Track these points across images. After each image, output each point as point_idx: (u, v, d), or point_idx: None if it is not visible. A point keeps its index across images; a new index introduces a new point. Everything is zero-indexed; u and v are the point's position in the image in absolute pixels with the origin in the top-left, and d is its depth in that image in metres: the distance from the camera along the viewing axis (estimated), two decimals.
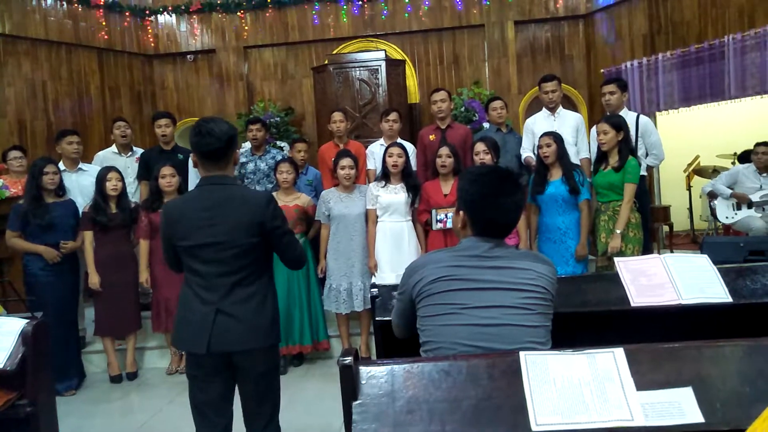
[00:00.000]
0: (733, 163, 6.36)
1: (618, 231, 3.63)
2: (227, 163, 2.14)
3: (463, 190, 1.75)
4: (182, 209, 2.13)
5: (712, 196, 5.46)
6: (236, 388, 2.22)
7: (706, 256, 2.04)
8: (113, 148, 4.97)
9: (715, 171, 6.26)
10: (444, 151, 3.92)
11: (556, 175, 3.80)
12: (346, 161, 4.02)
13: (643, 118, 4.25)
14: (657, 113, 6.13)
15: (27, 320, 2.22)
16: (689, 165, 6.76)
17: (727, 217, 5.25)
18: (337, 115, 4.68)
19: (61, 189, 4.03)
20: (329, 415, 3.27)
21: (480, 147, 3.87)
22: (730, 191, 5.16)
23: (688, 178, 6.82)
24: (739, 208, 5.18)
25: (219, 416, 2.16)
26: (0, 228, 4.03)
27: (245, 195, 2.15)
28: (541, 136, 3.86)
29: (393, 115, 4.57)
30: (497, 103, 4.71)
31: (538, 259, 1.71)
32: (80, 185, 4.44)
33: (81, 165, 4.61)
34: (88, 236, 4.02)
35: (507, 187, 1.69)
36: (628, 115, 4.19)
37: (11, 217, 3.86)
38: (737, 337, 1.47)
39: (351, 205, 4.03)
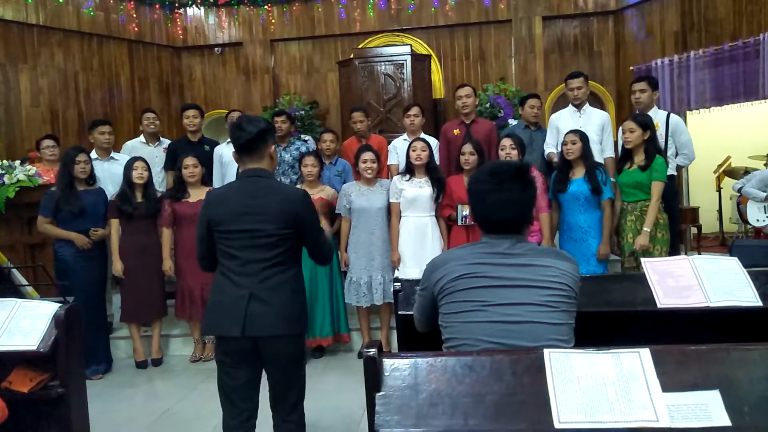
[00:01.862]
0: (766, 165, 6.20)
1: (646, 229, 3.58)
2: (261, 156, 2.23)
3: (467, 188, 1.80)
4: (224, 196, 2.25)
5: (740, 194, 5.35)
6: (263, 375, 2.27)
7: (735, 258, 2.00)
8: (141, 137, 5.07)
9: (747, 172, 6.11)
10: (467, 148, 3.90)
11: (578, 173, 3.76)
12: (367, 155, 4.03)
13: (673, 117, 4.17)
14: (688, 112, 6.01)
15: (59, 304, 2.28)
16: (719, 166, 6.62)
17: (758, 220, 5.14)
18: (357, 116, 4.68)
19: (91, 178, 4.12)
20: (350, 406, 3.30)
21: (507, 142, 3.84)
22: (765, 194, 5.04)
23: (718, 180, 6.67)
24: None
25: (245, 402, 2.22)
26: (32, 214, 4.15)
27: (283, 188, 2.31)
28: (567, 134, 3.82)
29: (414, 110, 4.56)
30: (535, 101, 4.66)
31: (561, 256, 1.70)
32: (111, 174, 4.54)
33: (112, 154, 4.71)
34: (114, 225, 4.11)
35: (497, 183, 1.66)
36: (659, 114, 4.11)
37: (43, 204, 3.96)
38: (767, 342, 1.44)
39: (372, 199, 4.05)
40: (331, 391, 3.62)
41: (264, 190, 2.18)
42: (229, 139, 4.99)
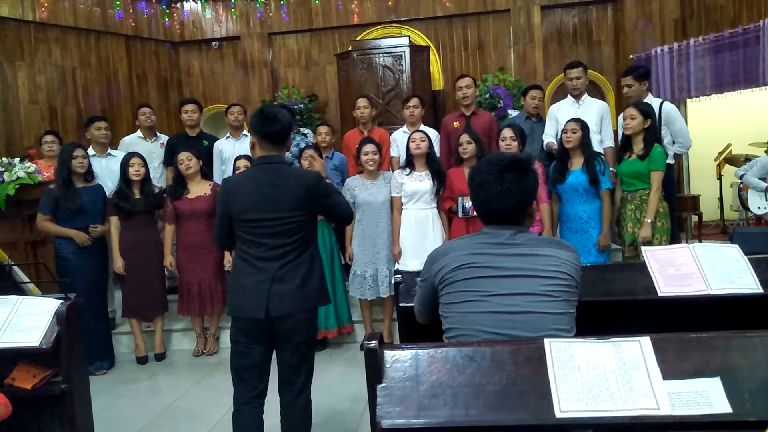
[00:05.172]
0: (767, 152, 6.18)
1: (648, 220, 3.57)
2: (283, 147, 2.33)
3: (468, 179, 1.81)
4: (241, 185, 2.31)
5: (742, 181, 5.35)
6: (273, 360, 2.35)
7: (736, 246, 2.00)
8: (138, 133, 5.07)
9: (747, 160, 6.10)
10: (464, 138, 3.90)
11: (577, 164, 3.75)
12: (369, 147, 4.03)
13: (666, 105, 4.15)
14: (688, 100, 5.99)
15: (61, 301, 2.29)
16: (720, 153, 6.60)
17: (759, 208, 5.13)
18: (362, 102, 4.68)
19: (89, 174, 4.11)
20: (353, 398, 3.32)
21: (507, 133, 3.82)
22: (765, 185, 5.04)
23: (719, 167, 6.66)
24: None
25: (256, 381, 2.31)
26: (33, 212, 4.14)
27: (298, 174, 2.40)
28: (568, 122, 3.81)
29: (414, 101, 4.55)
30: (537, 92, 4.63)
31: (561, 245, 1.69)
32: (110, 170, 4.53)
33: (110, 150, 4.71)
34: (113, 222, 4.12)
35: (496, 174, 1.65)
36: (652, 102, 4.10)
37: (42, 201, 3.96)
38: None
39: (376, 192, 4.04)
40: (334, 381, 3.63)
41: (280, 178, 2.25)
42: (228, 134, 4.98)
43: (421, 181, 3.97)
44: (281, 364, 2.33)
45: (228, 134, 4.99)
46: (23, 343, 2.18)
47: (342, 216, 2.46)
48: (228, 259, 4.10)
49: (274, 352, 2.35)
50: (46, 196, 3.96)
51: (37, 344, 2.17)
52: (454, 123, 4.53)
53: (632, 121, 3.64)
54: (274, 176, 2.25)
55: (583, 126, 3.75)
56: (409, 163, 4.03)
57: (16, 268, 2.73)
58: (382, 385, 1.36)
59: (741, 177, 5.40)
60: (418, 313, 1.88)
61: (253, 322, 2.24)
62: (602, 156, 3.93)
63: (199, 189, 4.19)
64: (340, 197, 2.50)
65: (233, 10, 7.14)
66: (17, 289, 2.63)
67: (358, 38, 6.78)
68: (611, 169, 3.93)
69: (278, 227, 2.22)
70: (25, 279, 2.76)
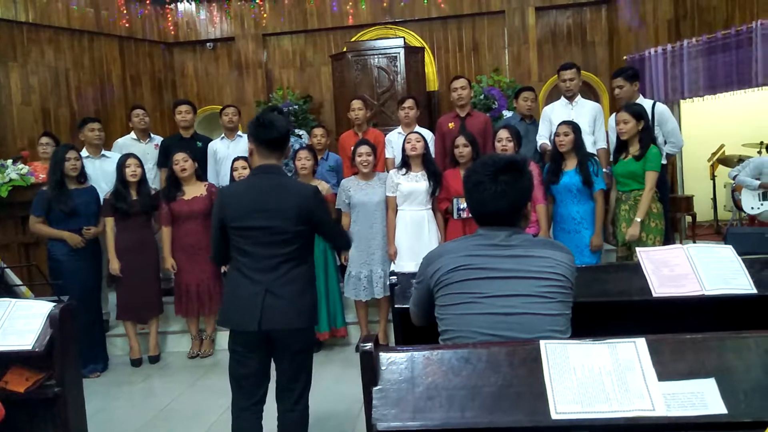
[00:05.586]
0: (759, 152, 6.23)
1: (638, 219, 3.59)
2: (281, 153, 2.31)
3: (463, 181, 1.81)
4: (237, 193, 2.30)
5: (736, 182, 5.38)
6: (272, 364, 2.35)
7: (730, 246, 2.01)
8: (132, 134, 5.05)
9: (741, 160, 6.13)
10: (460, 140, 3.91)
11: (570, 165, 3.76)
12: (363, 149, 4.02)
13: (659, 106, 4.16)
14: (681, 101, 6.01)
15: (54, 303, 2.27)
16: (713, 154, 6.63)
17: (752, 208, 5.16)
18: (357, 103, 4.68)
19: (82, 176, 4.09)
20: (348, 400, 3.31)
21: (503, 134, 3.84)
22: (758, 182, 5.07)
23: (712, 168, 6.69)
24: (765, 198, 5.08)
25: (255, 388, 2.31)
26: (26, 213, 4.12)
27: (295, 185, 2.36)
28: (560, 125, 3.82)
29: (409, 102, 4.55)
30: (529, 94, 4.65)
31: (556, 246, 1.70)
32: (104, 171, 4.52)
33: (104, 152, 4.69)
34: (109, 223, 4.10)
35: (491, 176, 1.66)
36: (644, 103, 4.12)
37: (35, 203, 3.93)
38: (762, 329, 1.44)
39: (371, 193, 4.04)
40: (330, 385, 3.62)
41: (277, 188, 2.23)
42: (223, 135, 4.97)
43: (417, 182, 3.97)
44: (279, 372, 2.33)
45: (222, 135, 4.98)
46: (16, 346, 2.16)
47: (335, 231, 2.42)
48: None
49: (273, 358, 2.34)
50: (39, 198, 3.93)
51: (30, 347, 2.16)
52: (449, 124, 4.53)
53: (625, 126, 3.64)
54: (271, 185, 2.23)
55: (575, 128, 3.76)
56: (405, 164, 4.03)
57: (8, 271, 2.72)
58: (378, 387, 1.36)
59: (734, 178, 5.43)
60: (414, 315, 1.87)
61: (247, 333, 2.22)
62: (596, 157, 3.94)
63: (194, 190, 4.18)
64: (338, 224, 2.53)
65: (228, 11, 7.12)
66: (10, 291, 2.61)
67: (353, 39, 6.77)
68: (604, 170, 3.94)
69: (271, 236, 2.19)
70: (18, 281, 2.75)
